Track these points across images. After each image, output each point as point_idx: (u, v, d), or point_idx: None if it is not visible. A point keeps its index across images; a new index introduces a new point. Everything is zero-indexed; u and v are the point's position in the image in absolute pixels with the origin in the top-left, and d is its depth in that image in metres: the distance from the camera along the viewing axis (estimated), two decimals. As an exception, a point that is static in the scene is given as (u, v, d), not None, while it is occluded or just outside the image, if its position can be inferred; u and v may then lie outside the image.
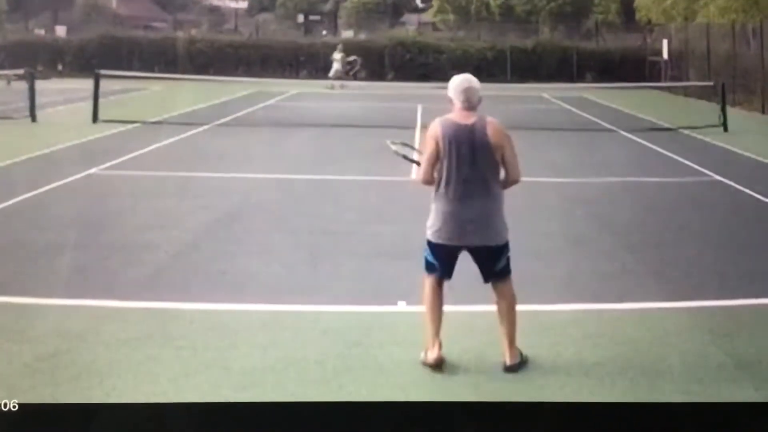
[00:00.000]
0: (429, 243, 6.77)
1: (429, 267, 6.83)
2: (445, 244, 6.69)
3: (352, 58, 42.72)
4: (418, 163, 7.16)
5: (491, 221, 6.71)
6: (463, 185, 6.55)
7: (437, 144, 6.59)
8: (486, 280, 6.90)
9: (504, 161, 6.63)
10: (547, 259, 10.06)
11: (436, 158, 6.63)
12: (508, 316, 6.79)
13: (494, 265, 6.82)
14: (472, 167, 6.52)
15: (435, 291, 6.85)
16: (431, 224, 6.74)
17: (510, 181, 6.77)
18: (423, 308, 6.91)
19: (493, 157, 6.56)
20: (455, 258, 6.81)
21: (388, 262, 9.86)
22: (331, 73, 40.76)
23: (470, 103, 6.62)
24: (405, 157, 7.82)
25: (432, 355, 6.65)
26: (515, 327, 6.76)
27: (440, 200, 6.69)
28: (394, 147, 7.73)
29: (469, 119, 6.56)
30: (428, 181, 6.73)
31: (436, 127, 6.65)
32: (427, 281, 6.86)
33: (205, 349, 7.04)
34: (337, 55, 41.41)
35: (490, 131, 6.51)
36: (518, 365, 6.66)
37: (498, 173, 6.68)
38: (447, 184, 6.60)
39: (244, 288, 8.83)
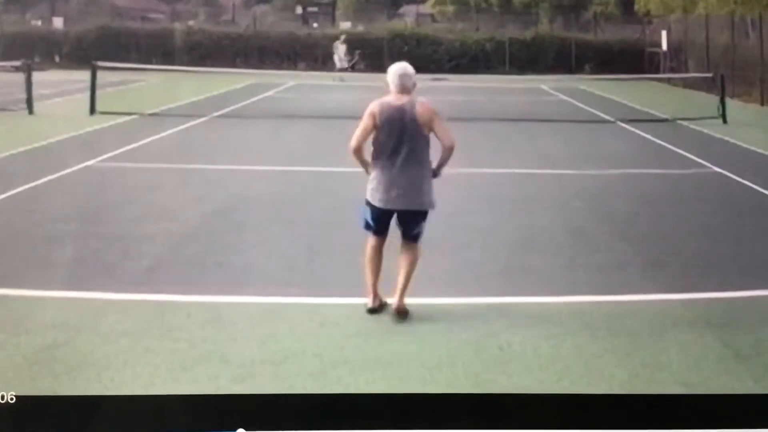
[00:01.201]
0: (367, 203, 7.81)
1: (366, 226, 7.93)
2: (377, 207, 7.72)
3: (356, 57, 42.67)
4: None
5: (416, 189, 7.68)
6: (393, 156, 7.57)
7: (373, 120, 7.56)
8: (404, 235, 7.89)
9: (435, 133, 7.62)
10: (546, 251, 10.05)
11: (369, 132, 7.61)
12: (406, 270, 7.80)
13: (412, 228, 7.85)
14: (401, 141, 7.52)
15: (375, 249, 7.92)
16: (369, 188, 7.77)
17: (446, 148, 7.70)
18: (366, 269, 7.96)
19: (421, 132, 7.56)
20: (387, 219, 7.83)
21: (386, 255, 9.82)
22: (338, 65, 40.53)
23: (404, 87, 7.61)
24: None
25: (371, 304, 7.80)
26: (409, 280, 7.77)
27: (376, 168, 7.69)
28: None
29: (401, 100, 7.57)
30: (357, 149, 7.68)
31: (374, 107, 7.61)
32: (369, 240, 7.95)
33: (203, 341, 7.02)
34: (341, 47, 41.14)
35: (418, 109, 7.52)
36: (405, 314, 7.65)
37: (426, 146, 7.67)
38: (381, 154, 7.62)
39: (242, 280, 8.81)
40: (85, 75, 25.63)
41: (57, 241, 10.11)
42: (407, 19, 68.57)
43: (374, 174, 7.71)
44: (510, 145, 19.34)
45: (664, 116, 25.21)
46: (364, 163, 7.80)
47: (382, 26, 53.00)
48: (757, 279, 9.04)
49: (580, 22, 60.91)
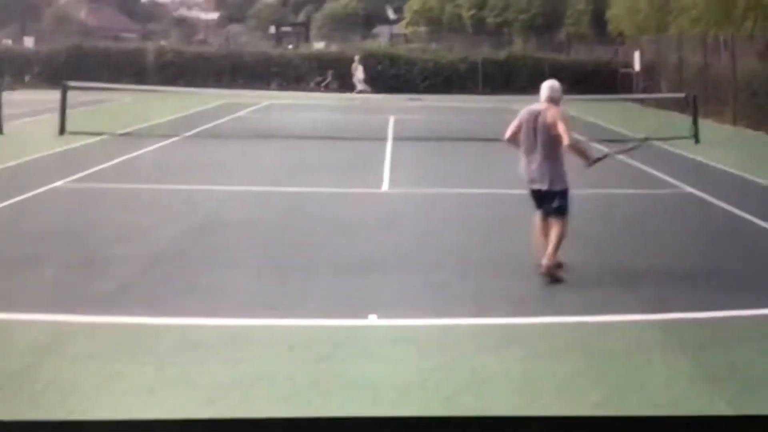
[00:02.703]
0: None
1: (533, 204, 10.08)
2: (527, 185, 10.02)
3: (328, 77, 42.56)
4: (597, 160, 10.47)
5: (544, 173, 9.75)
6: (527, 147, 9.86)
7: (520, 119, 9.96)
8: (547, 214, 9.87)
9: (562, 133, 9.62)
10: (518, 271, 10.01)
11: (518, 127, 9.96)
12: (555, 237, 9.66)
13: (550, 203, 9.80)
14: (532, 136, 9.78)
15: (539, 221, 9.95)
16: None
17: (564, 146, 9.72)
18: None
19: (547, 131, 9.68)
20: (539, 195, 9.92)
21: (359, 276, 9.78)
22: (358, 86, 39.99)
23: (550, 98, 9.94)
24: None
25: (541, 264, 9.55)
26: (557, 245, 9.61)
27: (522, 158, 10.01)
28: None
29: (541, 107, 9.88)
30: (509, 139, 10.18)
31: (522, 112, 10.03)
32: (535, 215, 10.04)
33: (172, 364, 6.94)
34: (358, 67, 40.63)
35: (548, 114, 9.73)
36: (550, 277, 9.49)
37: (555, 142, 9.69)
38: (521, 146, 9.96)
39: (212, 302, 8.72)
40: (55, 95, 25.43)
41: (24, 263, 9.98)
42: (381, 39, 68.82)
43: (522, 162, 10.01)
44: (483, 165, 19.32)
45: (637, 136, 25.28)
46: (516, 146, 10.12)
47: (355, 46, 53.03)
48: (730, 299, 9.04)
49: (554, 42, 61.24)
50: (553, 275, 9.48)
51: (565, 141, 9.61)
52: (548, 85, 10.07)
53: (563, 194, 9.79)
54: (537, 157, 9.76)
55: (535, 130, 9.76)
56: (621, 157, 20.24)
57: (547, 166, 9.73)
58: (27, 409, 6.05)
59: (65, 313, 8.20)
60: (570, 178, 9.84)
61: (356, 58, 41.48)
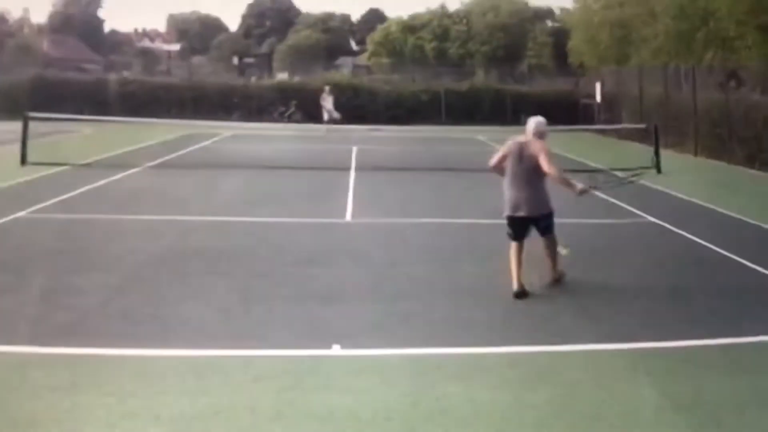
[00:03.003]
0: (506, 216, 10.80)
1: (509, 234, 10.75)
2: (508, 214, 10.74)
3: (292, 108, 42.51)
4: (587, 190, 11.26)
5: (530, 201, 10.59)
6: (512, 178, 10.69)
7: (506, 149, 10.84)
8: (540, 233, 10.80)
9: (543, 163, 10.42)
10: (483, 301, 10.01)
11: (503, 158, 10.85)
12: (549, 253, 10.91)
13: (537, 226, 10.71)
14: (518, 166, 10.63)
15: (514, 249, 10.62)
16: (505, 204, 10.79)
17: (549, 177, 10.52)
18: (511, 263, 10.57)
19: (530, 161, 10.50)
20: (518, 224, 10.66)
21: (323, 306, 9.72)
22: (325, 117, 39.91)
23: (532, 131, 10.81)
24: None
25: (514, 287, 10.32)
26: (553, 258, 10.91)
27: (506, 186, 10.79)
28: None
29: (527, 139, 10.77)
30: (495, 168, 11.04)
31: (509, 143, 10.88)
32: (511, 245, 10.68)
33: (133, 396, 6.85)
34: (328, 98, 40.62)
35: (532, 146, 10.60)
36: (559, 281, 10.93)
37: (539, 172, 10.47)
38: (507, 176, 10.76)
39: (174, 333, 8.63)
40: (16, 125, 25.29)
41: (-17, 293, 9.86)
42: (343, 70, 69.02)
43: (504, 191, 10.83)
44: (447, 195, 19.35)
45: (598, 166, 25.47)
46: (501, 173, 10.99)
47: (318, 77, 53.13)
48: (695, 329, 9.07)
49: (515, 73, 61.71)
50: (558, 279, 10.95)
51: (546, 170, 10.36)
52: (535, 121, 10.93)
53: (548, 216, 10.76)
54: (521, 185, 10.60)
55: (520, 160, 10.61)
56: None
57: (531, 194, 10.59)
58: (-15, 443, 5.95)
59: (25, 344, 8.09)
60: (531, 206, 10.01)
61: (326, 88, 41.52)
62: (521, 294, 10.23)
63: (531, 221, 10.67)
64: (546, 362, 7.98)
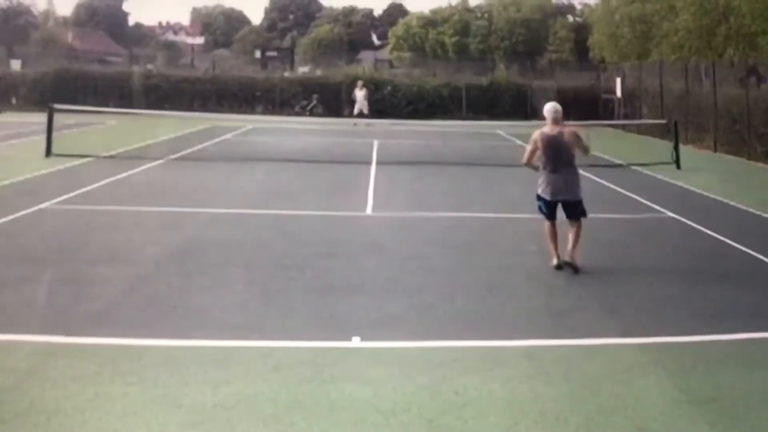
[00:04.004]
0: (539, 198, 11.67)
1: (543, 214, 11.64)
2: (547, 199, 11.54)
3: (314, 101, 42.40)
4: None
5: (571, 186, 11.53)
6: (554, 166, 11.46)
7: (536, 144, 11.56)
8: (569, 217, 11.59)
9: (577, 147, 11.63)
10: (502, 294, 10.05)
11: (534, 151, 11.61)
12: (574, 237, 11.44)
13: (574, 210, 11.57)
14: (558, 156, 11.44)
15: (550, 228, 11.57)
16: (540, 187, 11.62)
17: (585, 155, 12.10)
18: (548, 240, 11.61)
19: (569, 150, 11.47)
20: (555, 207, 11.56)
21: (342, 298, 9.80)
22: (355, 111, 40.05)
23: (556, 120, 11.57)
24: None
25: (554, 262, 11.34)
26: (577, 242, 11.44)
27: (543, 174, 11.56)
28: None
29: (554, 130, 11.54)
30: (527, 163, 11.85)
31: (536, 135, 11.61)
32: (545, 224, 11.63)
33: (155, 385, 6.94)
34: (359, 92, 40.73)
35: (566, 135, 11.47)
36: (575, 269, 11.20)
37: (573, 159, 11.55)
38: (545, 166, 11.52)
39: (196, 323, 8.72)
40: (41, 117, 25.45)
41: (8, 283, 9.97)
42: (365, 64, 69.01)
43: (542, 178, 11.58)
44: (466, 189, 19.39)
45: (618, 161, 25.45)
46: (534, 168, 11.75)
47: (340, 71, 53.18)
48: (712, 323, 9.09)
49: (536, 68, 61.56)
50: (574, 264, 11.23)
51: (587, 150, 12.01)
52: (553, 108, 11.65)
53: (581, 202, 11.63)
54: (564, 172, 11.49)
55: (559, 150, 11.45)
56: (602, 180, 20.43)
57: (573, 180, 11.59)
58: (10, 430, 6.04)
59: (49, 334, 8.19)
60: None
61: (359, 83, 41.62)
62: (561, 266, 11.25)
63: (569, 205, 11.56)
64: (564, 356, 8.02)
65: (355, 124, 37.28)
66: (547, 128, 11.60)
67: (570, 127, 11.68)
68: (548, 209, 11.57)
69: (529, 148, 11.73)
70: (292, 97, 46.93)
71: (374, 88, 46.69)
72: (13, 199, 15.98)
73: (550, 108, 11.70)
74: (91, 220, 14.41)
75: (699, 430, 6.36)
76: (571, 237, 11.42)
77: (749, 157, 27.67)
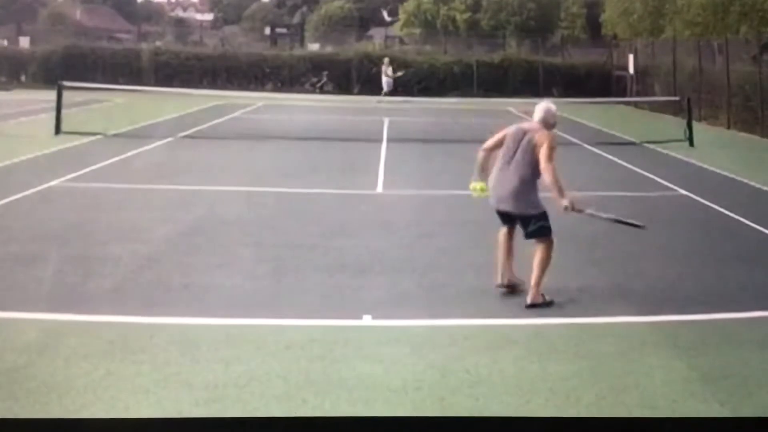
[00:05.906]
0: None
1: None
2: (494, 207, 9.24)
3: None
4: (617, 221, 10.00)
5: (519, 196, 8.91)
6: (505, 165, 9.02)
7: (504, 134, 9.20)
8: (525, 236, 9.06)
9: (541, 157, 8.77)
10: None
11: (500, 142, 9.22)
12: (537, 264, 8.85)
13: (526, 226, 8.96)
14: (513, 157, 8.98)
15: (504, 235, 9.26)
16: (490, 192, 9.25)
17: (544, 175, 8.79)
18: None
19: (532, 154, 8.83)
20: (510, 218, 9.15)
21: (353, 276, 9.79)
22: (385, 88, 39.92)
23: (539, 119, 9.18)
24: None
25: (499, 280, 9.11)
26: (539, 274, 8.81)
27: (494, 173, 9.17)
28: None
29: (532, 126, 9.12)
30: (487, 150, 9.38)
31: (511, 127, 9.27)
32: (499, 230, 9.33)
33: (166, 363, 6.95)
34: (387, 68, 40.56)
35: (536, 136, 8.91)
36: (540, 304, 8.69)
37: (535, 167, 8.81)
38: (498, 161, 9.12)
39: (207, 301, 8.73)
40: (51, 95, 25.43)
41: (18, 261, 9.99)
42: (375, 41, 68.78)
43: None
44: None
45: (631, 139, 25.36)
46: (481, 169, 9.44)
47: (350, 48, 53.06)
48: (724, 302, 9.07)
49: (548, 45, 61.29)
50: (543, 302, 8.80)
51: (543, 165, 8.73)
52: (544, 108, 9.26)
53: (540, 217, 8.94)
54: (511, 177, 8.94)
55: (517, 148, 8.97)
56: (615, 158, 20.37)
57: (519, 190, 8.92)
58: (22, 408, 6.05)
59: (60, 312, 8.21)
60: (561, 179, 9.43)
61: (386, 60, 41.45)
62: (505, 288, 9.15)
63: (518, 218, 9.12)
64: (575, 334, 8.01)
65: (378, 101, 37.16)
66: (527, 123, 9.33)
67: (547, 134, 9.00)
68: (498, 215, 9.38)
69: (497, 134, 9.36)
70: (302, 74, 46.81)
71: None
72: (22, 176, 15.99)
73: (540, 107, 9.38)
74: (101, 198, 14.43)
75: (710, 408, 6.35)
76: (534, 265, 8.94)
77: (763, 134, 27.55)
